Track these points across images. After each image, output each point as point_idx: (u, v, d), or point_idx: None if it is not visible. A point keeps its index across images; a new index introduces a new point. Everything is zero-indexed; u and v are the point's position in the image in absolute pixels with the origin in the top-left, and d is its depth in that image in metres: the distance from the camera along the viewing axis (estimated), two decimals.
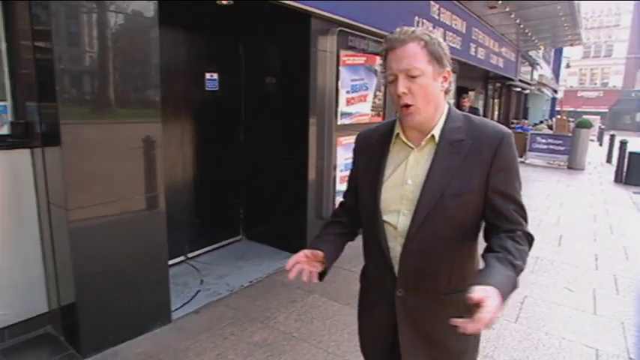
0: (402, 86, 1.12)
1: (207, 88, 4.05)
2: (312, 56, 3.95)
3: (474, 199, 1.16)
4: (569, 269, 4.28)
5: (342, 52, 4.27)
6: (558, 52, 27.22)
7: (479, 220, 1.20)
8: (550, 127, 14.77)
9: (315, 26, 3.96)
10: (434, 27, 6.30)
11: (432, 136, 1.19)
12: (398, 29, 1.15)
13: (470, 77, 9.97)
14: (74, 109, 2.35)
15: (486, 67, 9.63)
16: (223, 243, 4.44)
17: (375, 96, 4.94)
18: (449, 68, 1.18)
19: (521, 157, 11.97)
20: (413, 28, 1.15)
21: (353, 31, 4.40)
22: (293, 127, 4.14)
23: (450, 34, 7.03)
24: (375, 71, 4.88)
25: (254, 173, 4.50)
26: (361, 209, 1.33)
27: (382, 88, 5.02)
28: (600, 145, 19.54)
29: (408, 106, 1.14)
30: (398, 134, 1.24)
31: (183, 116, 3.91)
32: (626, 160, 9.50)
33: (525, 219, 1.19)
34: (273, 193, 4.40)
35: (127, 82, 2.60)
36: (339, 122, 4.35)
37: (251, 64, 4.37)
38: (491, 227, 1.19)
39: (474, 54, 8.38)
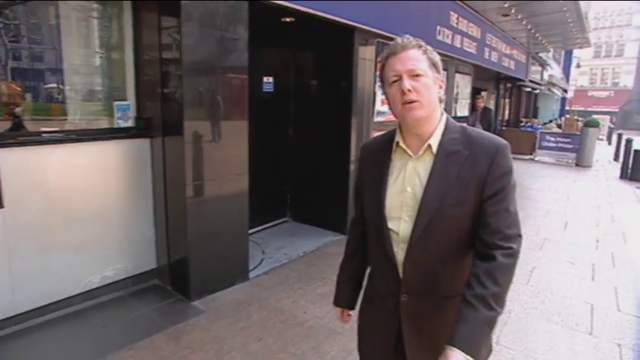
0: (407, 83, 1.18)
1: (264, 90, 4.83)
2: (354, 63, 4.72)
3: (472, 207, 1.20)
4: (572, 248, 5.01)
5: (381, 61, 5.03)
6: (568, 53, 27.75)
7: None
8: (559, 126, 15.42)
9: (358, 38, 4.73)
10: (453, 34, 7.06)
11: (429, 145, 1.25)
12: (399, 39, 1.24)
13: (482, 78, 10.68)
14: (193, 109, 3.14)
15: (499, 69, 10.36)
16: (273, 223, 5.24)
17: None
18: (443, 77, 1.29)
19: (530, 154, 12.68)
20: (412, 38, 1.25)
21: (388, 42, 5.17)
22: (336, 123, 4.92)
23: (467, 40, 7.77)
24: None
25: (301, 164, 5.29)
26: (366, 215, 1.39)
27: None
28: (609, 143, 20.12)
29: (411, 102, 1.19)
30: (398, 142, 1.31)
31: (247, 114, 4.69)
32: (631, 157, 10.19)
33: (517, 229, 1.22)
34: (318, 181, 5.19)
35: (230, 90, 3.39)
36: (375, 120, 5.13)
37: (300, 69, 5.16)
38: (479, 240, 1.21)
39: (487, 57, 9.11)
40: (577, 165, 11.86)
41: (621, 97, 40.79)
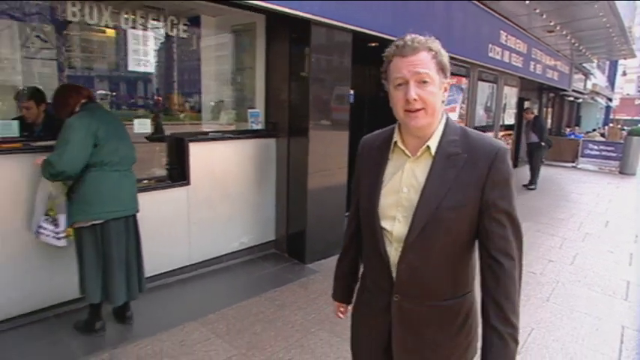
0: (413, 92, 1.16)
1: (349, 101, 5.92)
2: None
3: (469, 211, 1.20)
4: (612, 241, 5.83)
5: None
6: (614, 61, 27.79)
7: (475, 230, 1.24)
8: (602, 135, 15.90)
9: None
10: (502, 50, 8.00)
11: (428, 147, 1.24)
12: (408, 37, 1.20)
13: (527, 89, 11.49)
14: (314, 116, 4.25)
15: (543, 80, 11.16)
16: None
17: (461, 107, 6.69)
18: (449, 80, 1.26)
19: (572, 162, 13.31)
20: (422, 38, 1.20)
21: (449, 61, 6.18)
22: None
23: (514, 55, 8.67)
24: (462, 89, 6.63)
25: None
26: (361, 211, 1.40)
27: (466, 101, 6.77)
28: None
29: (416, 110, 1.18)
30: (396, 142, 1.30)
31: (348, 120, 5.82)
32: None
33: (519, 234, 1.24)
34: None
35: (338, 101, 4.50)
36: None
37: (372, 83, 6.23)
38: (483, 248, 1.24)
39: (532, 70, 9.96)
40: (620, 173, 12.41)
41: None
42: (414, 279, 1.26)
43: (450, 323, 1.30)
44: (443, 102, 1.25)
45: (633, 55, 13.72)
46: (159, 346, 2.89)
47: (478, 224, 1.23)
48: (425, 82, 1.17)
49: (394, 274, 1.28)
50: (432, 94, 1.17)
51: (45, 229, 2.76)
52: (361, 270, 1.52)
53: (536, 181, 9.26)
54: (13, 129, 2.98)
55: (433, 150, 1.23)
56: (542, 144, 9.04)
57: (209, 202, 4.06)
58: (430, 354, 1.31)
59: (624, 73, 33.56)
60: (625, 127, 16.86)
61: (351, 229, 1.54)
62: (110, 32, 3.79)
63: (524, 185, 9.40)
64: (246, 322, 3.27)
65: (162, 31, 3.76)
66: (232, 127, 4.55)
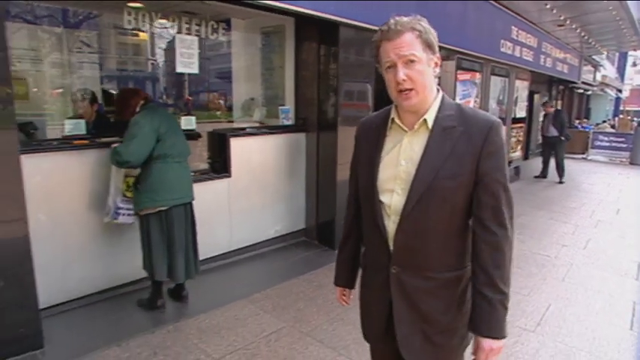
0: (402, 73, 1.22)
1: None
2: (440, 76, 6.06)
3: (465, 182, 1.25)
4: (623, 227, 6.13)
5: (458, 72, 6.38)
6: (623, 52, 27.79)
7: (470, 201, 1.29)
8: (612, 127, 16.10)
9: (442, 54, 6.07)
10: (513, 46, 8.27)
11: (425, 120, 1.29)
12: (392, 20, 1.25)
13: (537, 82, 11.72)
14: (342, 111, 4.58)
15: (552, 73, 11.40)
16: None
17: (475, 101, 6.99)
18: (438, 54, 1.29)
19: (582, 153, 13.54)
20: (406, 19, 1.25)
21: (464, 57, 6.49)
22: None
23: (525, 49, 8.94)
24: (475, 83, 6.93)
25: None
26: (360, 190, 1.46)
27: (480, 95, 7.07)
28: None
29: (407, 90, 1.24)
30: (393, 119, 1.35)
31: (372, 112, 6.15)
32: None
33: (510, 204, 1.29)
34: None
35: (361, 96, 4.82)
36: None
37: None
38: (474, 217, 1.30)
39: (542, 64, 10.20)
40: (631, 163, 12.64)
41: None
42: (411, 250, 1.30)
43: (449, 296, 1.35)
44: (436, 77, 1.31)
45: None
46: (215, 320, 3.25)
47: (472, 195, 1.29)
48: (412, 61, 1.22)
49: (391, 247, 1.33)
50: (420, 73, 1.23)
51: (121, 208, 3.15)
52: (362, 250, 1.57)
53: (563, 174, 9.28)
54: (81, 127, 3.34)
55: (430, 123, 1.29)
56: (562, 138, 9.22)
57: (247, 192, 4.41)
58: (429, 327, 1.35)
59: (634, 64, 33.54)
60: (635, 119, 17.03)
61: (351, 214, 1.61)
62: (156, 37, 4.14)
63: (536, 176, 9.68)
64: (289, 299, 3.63)
65: (202, 35, 4.10)
66: (265, 123, 4.89)
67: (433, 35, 1.27)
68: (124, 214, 3.16)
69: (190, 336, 3.03)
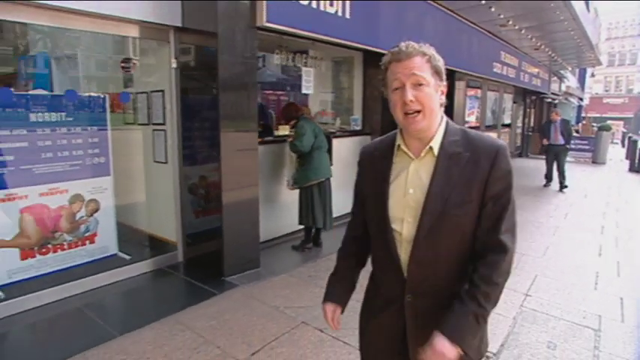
0: (410, 94, 1.26)
1: None
2: (454, 92, 8.28)
3: (473, 207, 1.29)
4: (589, 213, 8.32)
5: (467, 89, 8.65)
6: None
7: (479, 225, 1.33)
8: (577, 131, 18.96)
9: (455, 76, 8.30)
10: (502, 66, 10.66)
11: (431, 147, 1.33)
12: (403, 44, 1.30)
13: (516, 93, 14.31)
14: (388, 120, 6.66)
15: (529, 87, 14.00)
16: None
17: (478, 111, 9.29)
18: (445, 83, 1.35)
19: None
20: (416, 44, 1.30)
21: (471, 78, 8.76)
22: None
23: (510, 69, 11.37)
24: (477, 98, 9.24)
25: None
26: (369, 219, 1.48)
27: (480, 106, 9.37)
28: (623, 146, 23.66)
29: (413, 112, 1.28)
30: (399, 145, 1.39)
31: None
32: (637, 154, 13.75)
33: (514, 228, 1.32)
34: None
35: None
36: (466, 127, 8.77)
37: None
38: (476, 239, 1.32)
39: (522, 79, 12.73)
40: (593, 162, 15.35)
41: (636, 104, 42.66)
42: (425, 277, 1.34)
43: None
44: (441, 105, 1.35)
45: (600, 63, 16.82)
46: None
47: (479, 218, 1.31)
48: (420, 84, 1.27)
49: (405, 275, 1.36)
50: (428, 96, 1.28)
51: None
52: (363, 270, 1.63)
53: (565, 179, 9.82)
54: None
55: (436, 150, 1.33)
56: (567, 146, 9.79)
57: (338, 182, 6.38)
58: None
59: (592, 75, 37.19)
60: (594, 124, 19.96)
61: (350, 236, 1.64)
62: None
63: (545, 185, 10.90)
64: None
65: (312, 67, 6.12)
66: (344, 129, 6.94)
67: (441, 63, 1.33)
68: (293, 185, 5.14)
69: (328, 268, 4.95)
